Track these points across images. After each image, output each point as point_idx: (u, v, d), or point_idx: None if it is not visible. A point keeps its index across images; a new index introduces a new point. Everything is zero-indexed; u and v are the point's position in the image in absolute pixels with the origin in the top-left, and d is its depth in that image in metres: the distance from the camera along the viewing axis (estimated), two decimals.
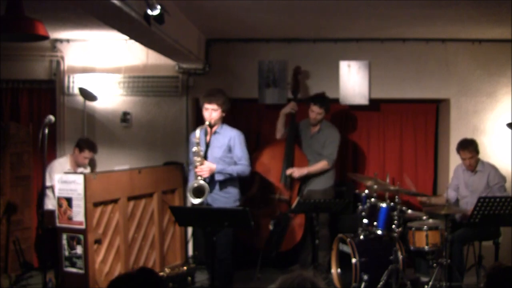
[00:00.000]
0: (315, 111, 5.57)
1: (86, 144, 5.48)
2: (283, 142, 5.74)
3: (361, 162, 6.46)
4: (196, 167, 4.67)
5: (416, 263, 5.25)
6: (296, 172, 5.54)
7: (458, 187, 5.36)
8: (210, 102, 4.74)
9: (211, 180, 4.72)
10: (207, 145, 4.78)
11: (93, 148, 5.53)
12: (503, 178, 5.19)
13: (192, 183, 4.67)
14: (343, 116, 6.41)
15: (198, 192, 4.62)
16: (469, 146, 5.17)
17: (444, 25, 5.38)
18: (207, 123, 4.74)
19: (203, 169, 4.64)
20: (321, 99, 5.63)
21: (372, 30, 5.66)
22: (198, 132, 4.72)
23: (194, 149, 4.68)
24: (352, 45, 6.09)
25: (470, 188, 5.22)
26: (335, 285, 5.07)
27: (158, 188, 5.22)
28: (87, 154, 5.47)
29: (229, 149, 4.82)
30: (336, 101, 6.05)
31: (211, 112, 4.75)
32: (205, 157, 4.73)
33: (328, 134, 5.63)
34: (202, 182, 4.63)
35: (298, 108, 5.74)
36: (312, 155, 5.66)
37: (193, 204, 4.69)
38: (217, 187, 4.76)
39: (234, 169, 4.76)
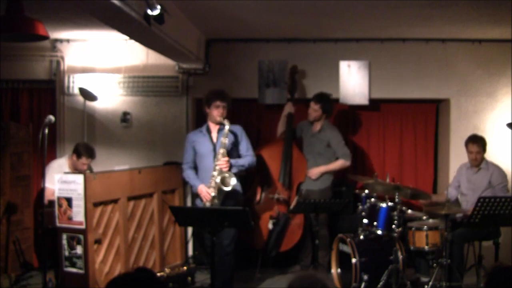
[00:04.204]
0: (312, 107, 5.61)
1: (84, 151, 5.18)
2: (281, 141, 5.74)
3: (361, 162, 6.45)
4: (218, 160, 4.71)
5: (416, 263, 5.24)
6: (313, 172, 5.55)
7: (459, 185, 5.37)
8: (223, 99, 4.85)
9: None
10: (215, 143, 4.87)
11: (91, 155, 5.22)
12: (506, 179, 5.22)
13: (224, 175, 4.69)
14: (343, 116, 6.40)
15: (224, 182, 4.69)
16: (478, 141, 5.22)
17: (444, 25, 5.38)
18: (219, 119, 4.80)
19: (225, 162, 4.70)
20: (318, 96, 5.64)
21: (372, 30, 5.66)
22: (215, 134, 4.88)
23: (223, 139, 4.71)
24: (352, 45, 6.09)
25: (472, 185, 5.22)
26: (335, 285, 5.07)
27: (158, 188, 5.23)
28: (85, 160, 5.17)
29: (234, 144, 4.92)
30: (336, 101, 6.05)
31: (223, 109, 4.85)
32: (214, 154, 4.82)
33: (331, 135, 5.61)
34: (228, 174, 4.69)
35: (296, 107, 5.77)
36: (312, 154, 5.65)
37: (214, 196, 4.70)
38: None
39: (245, 161, 4.92)
